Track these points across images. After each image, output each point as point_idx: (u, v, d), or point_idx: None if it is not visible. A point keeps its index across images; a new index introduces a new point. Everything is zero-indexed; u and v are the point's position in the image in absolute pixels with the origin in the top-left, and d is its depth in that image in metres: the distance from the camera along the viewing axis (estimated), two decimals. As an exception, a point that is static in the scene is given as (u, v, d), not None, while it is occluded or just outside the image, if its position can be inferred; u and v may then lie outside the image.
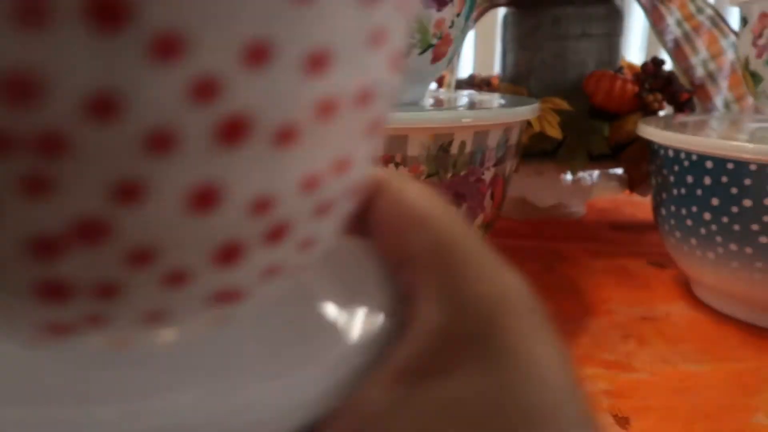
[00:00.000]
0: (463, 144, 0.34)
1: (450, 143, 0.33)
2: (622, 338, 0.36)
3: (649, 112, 0.48)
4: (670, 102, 0.50)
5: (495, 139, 0.35)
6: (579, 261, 0.49)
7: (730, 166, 0.33)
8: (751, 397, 0.30)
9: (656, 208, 0.41)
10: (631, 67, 0.56)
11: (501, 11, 0.57)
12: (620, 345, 0.35)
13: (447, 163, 0.34)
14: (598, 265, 0.48)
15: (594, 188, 0.50)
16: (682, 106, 0.52)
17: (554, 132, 0.47)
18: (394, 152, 0.33)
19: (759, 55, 0.35)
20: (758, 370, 0.32)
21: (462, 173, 0.35)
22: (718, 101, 0.49)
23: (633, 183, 0.48)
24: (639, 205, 0.65)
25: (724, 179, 0.34)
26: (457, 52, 0.41)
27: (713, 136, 0.36)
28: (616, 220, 0.61)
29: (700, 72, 0.51)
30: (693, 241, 0.37)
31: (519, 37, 0.54)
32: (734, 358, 0.34)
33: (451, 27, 0.37)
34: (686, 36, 0.51)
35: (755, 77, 0.36)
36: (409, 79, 0.38)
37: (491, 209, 0.38)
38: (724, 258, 0.35)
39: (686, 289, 0.43)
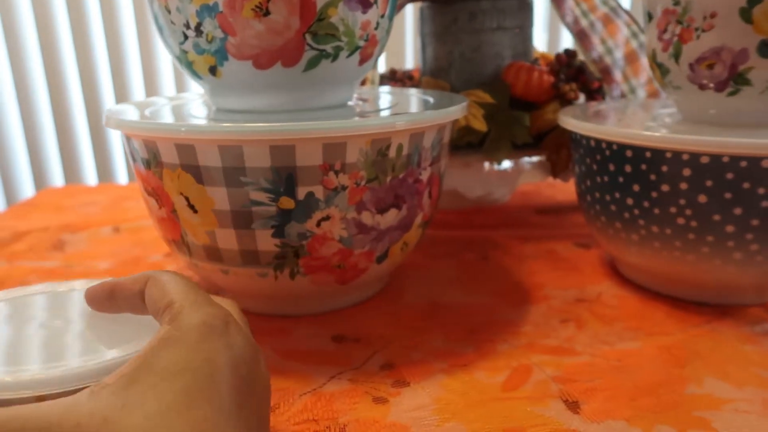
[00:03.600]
0: (400, 147, 0.34)
1: (388, 147, 0.33)
2: (562, 323, 0.38)
3: (565, 101, 0.51)
4: (583, 90, 0.53)
5: (430, 139, 0.36)
6: (511, 248, 0.51)
7: (648, 154, 0.36)
8: (682, 368, 0.32)
9: (580, 195, 0.43)
10: (544, 57, 0.58)
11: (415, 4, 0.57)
12: (561, 330, 0.37)
13: (386, 166, 0.34)
14: (528, 250, 0.50)
15: (520, 176, 0.51)
16: (593, 93, 0.55)
17: (480, 125, 0.48)
18: (333, 160, 0.32)
19: (665, 49, 0.37)
20: (684, 342, 0.35)
21: (400, 175, 0.35)
22: (625, 87, 0.52)
23: (555, 169, 0.50)
24: (558, 187, 0.68)
25: (644, 167, 0.36)
26: (382, 51, 0.41)
27: (632, 126, 0.38)
28: (539, 203, 0.63)
29: (607, 60, 0.53)
30: (618, 224, 0.39)
31: (437, 32, 0.55)
32: (663, 332, 0.36)
33: (376, 28, 0.37)
34: (592, 26, 0.54)
35: (662, 69, 0.39)
36: (338, 81, 0.38)
37: (429, 207, 0.39)
38: (647, 239, 0.38)
39: (612, 268, 0.46)
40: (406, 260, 0.48)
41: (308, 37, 0.34)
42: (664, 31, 0.37)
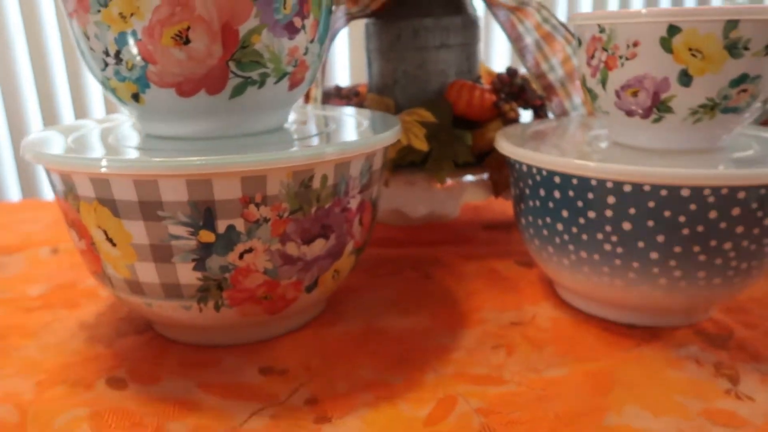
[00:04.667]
0: (324, 177, 0.33)
1: (311, 178, 0.33)
2: (494, 349, 0.38)
3: (507, 119, 0.51)
4: (525, 108, 0.53)
5: (358, 167, 0.35)
6: (454, 266, 0.51)
7: (574, 181, 0.36)
8: (605, 396, 0.33)
9: (516, 216, 0.43)
10: (489, 73, 0.58)
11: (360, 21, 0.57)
12: (492, 356, 0.37)
13: (310, 198, 0.33)
14: (470, 269, 0.50)
15: (463, 194, 0.51)
16: (537, 111, 0.55)
17: (421, 144, 0.48)
18: (252, 193, 0.31)
19: (593, 75, 0.38)
20: (611, 367, 0.35)
21: (326, 206, 0.34)
22: (567, 104, 0.53)
23: (497, 188, 0.51)
24: (508, 202, 0.69)
25: (571, 193, 0.36)
26: (315, 75, 0.41)
27: (567, 150, 0.38)
28: (488, 218, 0.63)
29: (551, 77, 0.54)
30: (550, 248, 0.40)
31: (381, 49, 0.54)
32: (590, 358, 0.36)
33: (305, 54, 0.37)
34: (537, 44, 0.54)
35: (591, 93, 0.39)
36: (267, 107, 0.37)
37: (361, 234, 0.38)
38: (577, 264, 0.38)
39: (550, 287, 0.46)
40: (344, 283, 0.47)
41: (232, 65, 0.34)
42: (592, 57, 0.37)
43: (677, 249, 0.34)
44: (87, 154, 0.32)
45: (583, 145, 0.41)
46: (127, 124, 0.42)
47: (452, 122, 0.52)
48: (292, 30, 0.35)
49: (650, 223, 0.34)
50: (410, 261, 0.52)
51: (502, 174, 0.50)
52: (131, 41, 0.33)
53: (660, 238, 0.34)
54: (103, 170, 0.30)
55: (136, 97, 0.35)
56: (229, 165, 0.30)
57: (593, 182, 0.35)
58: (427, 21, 0.52)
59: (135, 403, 0.32)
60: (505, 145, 0.40)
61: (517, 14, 0.54)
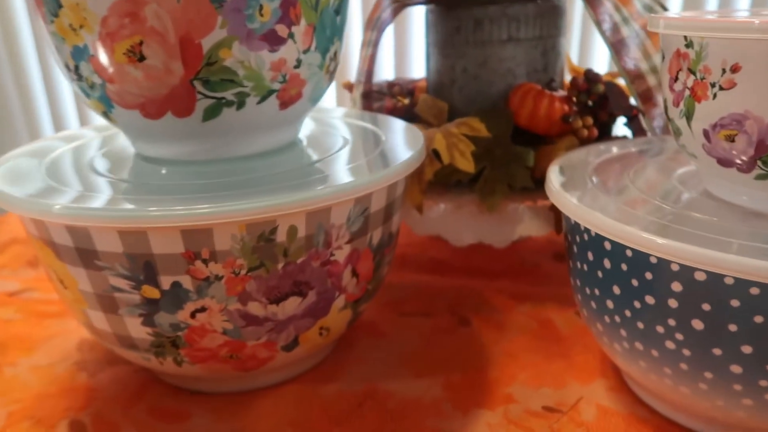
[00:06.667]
0: (293, 229, 0.27)
1: (274, 230, 0.27)
2: (507, 447, 0.30)
3: (580, 138, 0.40)
4: (609, 121, 0.42)
5: (343, 214, 0.29)
6: (500, 311, 0.42)
7: (628, 253, 0.26)
8: None
9: (570, 273, 0.34)
10: (577, 72, 0.47)
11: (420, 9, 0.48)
12: (501, 459, 0.29)
13: (274, 252, 0.27)
14: (519, 317, 0.41)
15: (518, 226, 0.42)
16: (629, 122, 0.44)
17: (466, 165, 0.40)
18: (197, 248, 0.26)
19: (676, 104, 0.27)
20: None
21: (299, 260, 0.28)
22: (659, 121, 0.41)
23: (560, 224, 0.41)
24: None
25: (624, 267, 0.27)
26: (325, 87, 0.34)
27: (626, 199, 0.28)
28: (562, 246, 0.53)
29: (651, 81, 0.42)
30: (599, 325, 0.30)
31: (439, 42, 0.46)
32: (631, 487, 0.27)
33: (297, 67, 0.30)
34: (637, 37, 0.42)
35: (673, 126, 0.28)
36: (257, 128, 0.31)
37: (356, 286, 0.32)
38: (631, 354, 0.29)
39: (612, 362, 0.37)
40: (362, 321, 0.41)
41: (198, 84, 0.28)
42: (675, 79, 0.27)
43: (771, 367, 0.24)
44: (30, 187, 0.28)
45: (658, 194, 0.30)
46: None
47: (513, 136, 0.43)
48: (273, 41, 0.28)
49: (732, 328, 0.24)
50: (448, 298, 0.44)
51: (568, 205, 0.40)
52: (86, 56, 0.28)
53: (746, 350, 0.24)
54: (31, 214, 0.26)
55: (106, 115, 0.31)
56: (167, 218, 0.25)
57: (652, 259, 0.25)
58: (492, 9, 0.43)
59: (80, 462, 0.29)
60: (553, 184, 0.31)
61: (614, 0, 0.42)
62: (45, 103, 1.17)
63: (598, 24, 0.43)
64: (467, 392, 0.34)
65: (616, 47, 0.43)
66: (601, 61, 1.05)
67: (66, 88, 1.19)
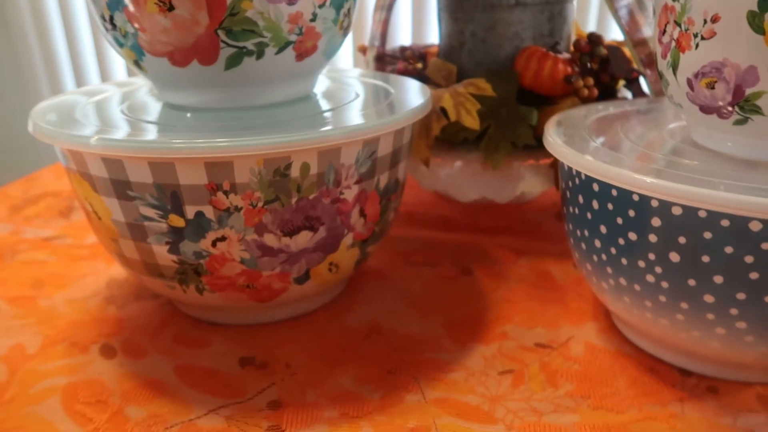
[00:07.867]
0: (306, 166, 0.30)
1: (288, 166, 0.29)
2: (500, 375, 0.32)
3: (581, 97, 0.42)
4: (611, 82, 0.44)
5: (352, 155, 0.31)
6: (501, 263, 0.45)
7: (614, 192, 0.28)
8: (607, 465, 0.26)
9: (564, 217, 0.36)
10: (582, 37, 0.49)
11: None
12: (493, 384, 0.32)
13: (288, 187, 0.30)
14: (519, 269, 0.44)
15: (521, 182, 0.45)
16: (630, 83, 0.45)
17: (472, 123, 0.42)
18: (219, 180, 0.29)
19: (663, 56, 0.29)
20: (632, 426, 0.29)
21: (311, 196, 0.31)
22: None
23: (558, 179, 0.43)
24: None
25: (610, 206, 0.29)
26: (338, 42, 0.36)
27: (619, 149, 0.30)
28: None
29: (652, 45, 0.44)
30: (588, 265, 0.33)
31: (449, 6, 0.48)
32: (613, 408, 0.30)
33: (313, 20, 0.32)
34: (641, 3, 0.44)
35: (663, 80, 0.30)
36: (274, 78, 0.34)
37: (363, 226, 0.35)
38: (616, 290, 0.31)
39: (603, 307, 0.39)
40: (371, 267, 0.44)
41: (222, 34, 0.31)
42: (663, 32, 0.29)
43: (741, 296, 0.26)
44: (70, 125, 0.31)
45: (646, 145, 0.32)
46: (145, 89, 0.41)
47: (519, 96, 0.45)
48: (291, -6, 0.31)
49: (705, 259, 0.26)
50: (454, 250, 0.47)
51: (568, 162, 0.42)
52: (120, 7, 0.31)
53: (718, 280, 0.26)
54: (70, 146, 0.29)
55: (137, 64, 0.34)
56: (190, 150, 0.27)
57: (635, 197, 0.27)
58: (501, -26, 0.44)
59: (112, 378, 0.33)
60: (549, 134, 0.33)
61: (618, -35, 0.44)
62: (67, 59, 1.21)
63: (604, -10, 0.45)
64: (465, 330, 0.37)
65: (617, 11, 0.44)
66: (618, 31, 1.07)
67: (88, 46, 1.23)
